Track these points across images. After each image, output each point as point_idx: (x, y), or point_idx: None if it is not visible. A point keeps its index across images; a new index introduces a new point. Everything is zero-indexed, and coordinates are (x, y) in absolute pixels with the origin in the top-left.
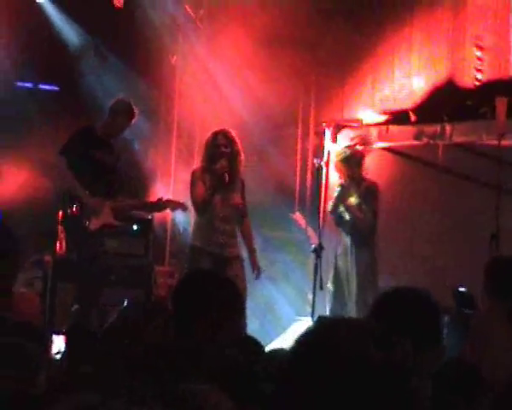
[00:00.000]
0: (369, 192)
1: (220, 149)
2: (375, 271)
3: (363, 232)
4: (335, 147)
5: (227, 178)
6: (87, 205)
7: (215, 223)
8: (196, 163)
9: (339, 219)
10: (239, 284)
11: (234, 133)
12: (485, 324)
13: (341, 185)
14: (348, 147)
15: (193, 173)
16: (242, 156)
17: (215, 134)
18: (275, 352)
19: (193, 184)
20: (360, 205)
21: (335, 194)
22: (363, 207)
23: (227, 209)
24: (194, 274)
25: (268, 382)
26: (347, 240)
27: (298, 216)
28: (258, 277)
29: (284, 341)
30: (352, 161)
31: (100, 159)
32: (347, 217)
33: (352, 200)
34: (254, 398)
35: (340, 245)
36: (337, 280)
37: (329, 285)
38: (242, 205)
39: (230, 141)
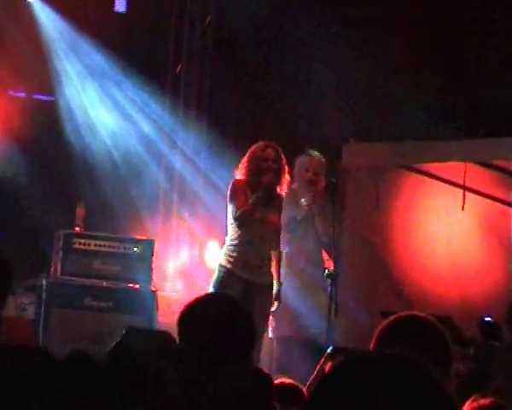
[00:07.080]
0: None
1: (268, 163)
2: None
3: None
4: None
5: (273, 193)
6: None
7: (252, 241)
8: None
9: None
10: (265, 313)
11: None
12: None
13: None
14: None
15: (233, 184)
16: (288, 175)
17: (264, 147)
18: None
19: (234, 194)
20: None
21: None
22: None
23: (266, 229)
24: (205, 300)
25: None
26: None
27: None
28: (275, 311)
29: None
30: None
31: None
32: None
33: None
34: None
35: None
36: None
37: None
38: (280, 227)
39: (279, 156)
